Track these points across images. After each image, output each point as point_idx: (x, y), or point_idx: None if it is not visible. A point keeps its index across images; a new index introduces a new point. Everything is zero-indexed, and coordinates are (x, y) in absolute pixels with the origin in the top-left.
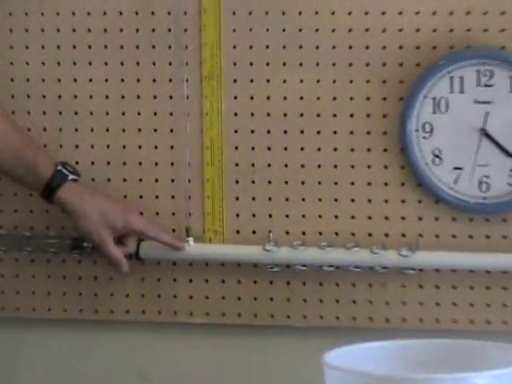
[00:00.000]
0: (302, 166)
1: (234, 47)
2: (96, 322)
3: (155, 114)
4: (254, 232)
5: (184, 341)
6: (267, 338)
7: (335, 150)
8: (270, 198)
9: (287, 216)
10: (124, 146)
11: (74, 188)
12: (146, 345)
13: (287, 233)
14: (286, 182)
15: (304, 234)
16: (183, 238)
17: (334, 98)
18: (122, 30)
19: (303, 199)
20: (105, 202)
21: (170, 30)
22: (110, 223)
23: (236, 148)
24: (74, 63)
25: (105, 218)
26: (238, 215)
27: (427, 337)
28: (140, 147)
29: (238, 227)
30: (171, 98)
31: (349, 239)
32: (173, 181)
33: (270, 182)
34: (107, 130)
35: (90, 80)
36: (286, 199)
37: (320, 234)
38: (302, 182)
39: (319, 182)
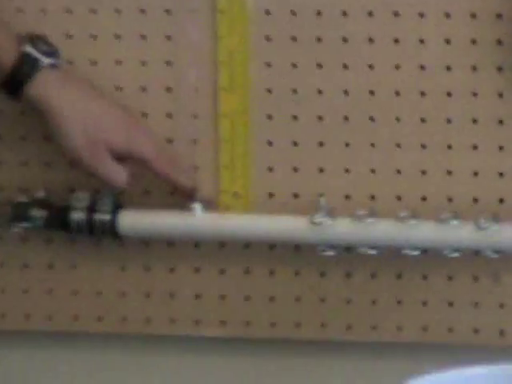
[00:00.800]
0: (372, 92)
1: None
2: (44, 333)
3: (142, 11)
4: (295, 196)
5: (187, 362)
6: (316, 359)
7: (422, 68)
8: (320, 143)
9: (347, 171)
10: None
11: (52, 80)
12: (131, 366)
13: (347, 197)
14: (346, 118)
15: (373, 198)
16: (185, 205)
17: None
18: None
19: (372, 145)
20: (102, 108)
21: None
22: (107, 140)
23: (268, 65)
24: None
25: (100, 131)
26: (270, 169)
27: None
28: (119, 63)
29: (270, 188)
30: None
31: (443, 206)
32: (169, 116)
33: (320, 118)
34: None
35: None
36: (346, 144)
37: (398, 198)
38: (371, 119)
39: (397, 119)
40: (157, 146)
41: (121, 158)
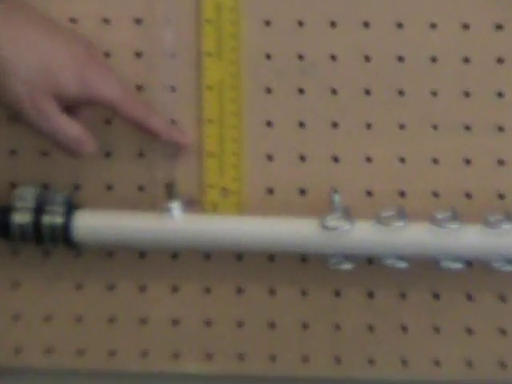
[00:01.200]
0: (400, 58)
1: None
2: None
3: None
4: (301, 192)
5: None
6: None
7: (465, 27)
8: (334, 124)
9: (368, 159)
10: None
11: None
12: None
13: (369, 194)
14: (368, 92)
15: (402, 194)
16: (160, 204)
17: None
18: None
19: (401, 126)
20: (52, 45)
21: None
22: (57, 85)
23: (267, 23)
24: None
25: (47, 75)
26: (269, 158)
27: None
28: (75, 21)
29: (269, 181)
30: None
31: (492, 205)
32: (139, 88)
33: (334, 92)
34: None
35: None
36: (368, 126)
37: (435, 195)
38: (400, 92)
39: (433, 92)
40: (122, 86)
41: (77, 108)
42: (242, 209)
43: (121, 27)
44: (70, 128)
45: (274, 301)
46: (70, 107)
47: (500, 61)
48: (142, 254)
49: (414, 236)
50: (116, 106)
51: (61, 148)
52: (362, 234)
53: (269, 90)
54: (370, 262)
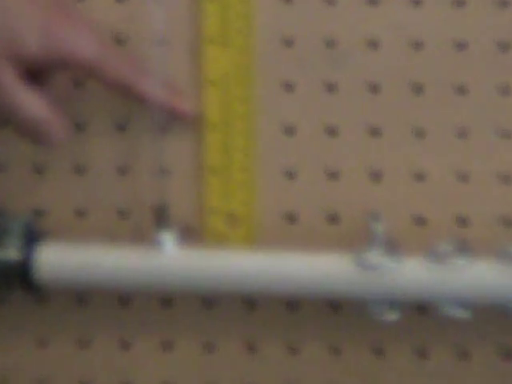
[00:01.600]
0: (460, 45)
1: None
2: None
3: None
4: (331, 218)
5: None
6: None
7: None
8: (373, 131)
9: (419, 176)
10: None
11: None
12: None
13: (419, 221)
14: (418, 87)
15: (464, 222)
16: (147, 234)
17: None
18: None
19: (461, 132)
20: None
21: None
22: (14, 45)
23: (286, 0)
24: None
25: (5, 40)
26: (289, 174)
27: None
28: None
29: (288, 205)
30: None
31: None
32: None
33: (374, 89)
34: None
35: None
36: (418, 132)
37: (506, 223)
38: (460, 89)
39: (503, 88)
40: (100, 41)
41: (42, 78)
42: (253, 240)
43: (98, 6)
44: (33, 105)
45: (296, 360)
46: (32, 77)
47: None
48: (125, 300)
49: (479, 276)
50: (93, 67)
51: (21, 132)
52: (412, 275)
53: (289, 86)
54: (421, 310)
